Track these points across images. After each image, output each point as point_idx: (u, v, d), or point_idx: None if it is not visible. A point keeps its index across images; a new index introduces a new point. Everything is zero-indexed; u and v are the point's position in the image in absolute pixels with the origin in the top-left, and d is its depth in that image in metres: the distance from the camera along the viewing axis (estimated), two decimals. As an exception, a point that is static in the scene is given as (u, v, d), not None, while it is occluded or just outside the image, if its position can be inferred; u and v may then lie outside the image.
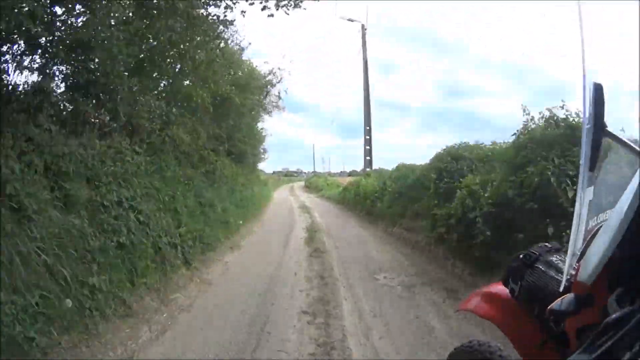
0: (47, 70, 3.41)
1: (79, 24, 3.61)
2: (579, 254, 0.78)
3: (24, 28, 2.86)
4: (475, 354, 1.23)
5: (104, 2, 3.71)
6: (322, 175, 37.91)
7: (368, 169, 16.04)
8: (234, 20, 5.33)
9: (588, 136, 0.69)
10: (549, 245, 1.10)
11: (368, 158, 17.24)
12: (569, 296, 0.76)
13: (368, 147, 17.37)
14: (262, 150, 16.12)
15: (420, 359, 2.59)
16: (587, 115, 0.69)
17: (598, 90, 0.68)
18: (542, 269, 1.02)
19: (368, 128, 17.48)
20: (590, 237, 0.77)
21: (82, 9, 3.62)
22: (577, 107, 3.48)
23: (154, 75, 5.16)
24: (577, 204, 0.76)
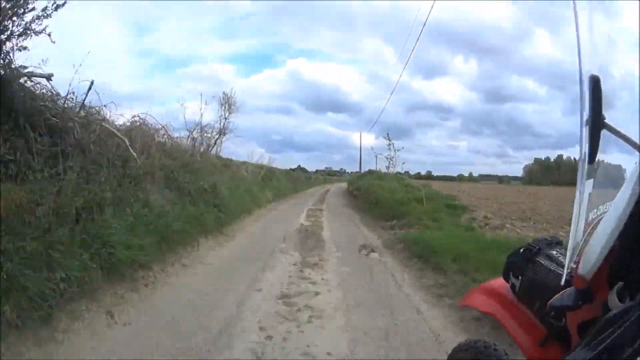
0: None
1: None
2: (579, 247, 0.78)
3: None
4: (474, 354, 1.23)
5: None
6: (382, 173, 20.34)
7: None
8: None
9: (587, 130, 0.69)
10: (549, 239, 1.10)
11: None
12: (570, 290, 0.76)
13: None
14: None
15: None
16: (584, 108, 0.68)
17: (595, 82, 0.67)
18: (543, 263, 1.01)
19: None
20: (590, 230, 0.77)
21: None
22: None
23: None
24: (576, 197, 0.75)
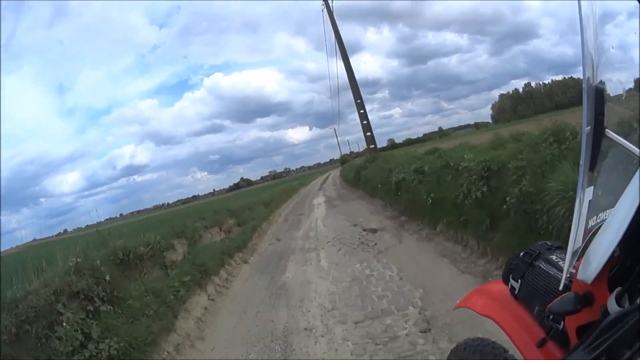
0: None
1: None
2: (578, 252, 0.79)
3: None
4: (477, 354, 1.24)
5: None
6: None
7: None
8: None
9: (588, 138, 0.70)
10: (549, 243, 1.11)
11: None
12: (569, 295, 0.76)
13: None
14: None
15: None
16: (586, 117, 0.69)
17: (598, 92, 0.68)
18: (543, 267, 1.02)
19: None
20: (589, 236, 0.78)
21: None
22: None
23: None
24: (576, 203, 0.77)
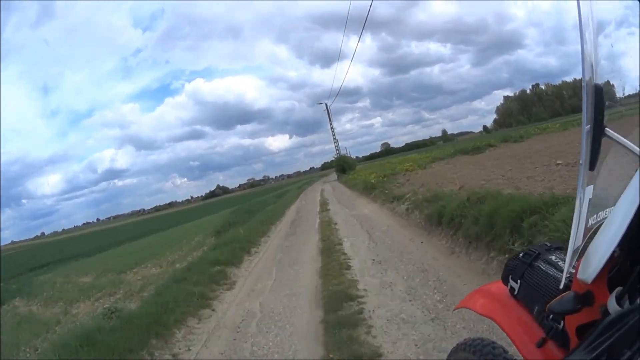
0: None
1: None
2: (578, 251, 0.79)
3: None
4: (476, 353, 1.23)
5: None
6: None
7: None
8: None
9: (587, 137, 0.70)
10: (549, 244, 1.11)
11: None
12: (569, 294, 0.76)
13: None
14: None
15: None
16: (586, 116, 0.69)
17: (598, 91, 0.68)
18: (542, 267, 1.02)
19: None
20: (589, 235, 0.78)
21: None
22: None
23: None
24: (576, 202, 0.76)
